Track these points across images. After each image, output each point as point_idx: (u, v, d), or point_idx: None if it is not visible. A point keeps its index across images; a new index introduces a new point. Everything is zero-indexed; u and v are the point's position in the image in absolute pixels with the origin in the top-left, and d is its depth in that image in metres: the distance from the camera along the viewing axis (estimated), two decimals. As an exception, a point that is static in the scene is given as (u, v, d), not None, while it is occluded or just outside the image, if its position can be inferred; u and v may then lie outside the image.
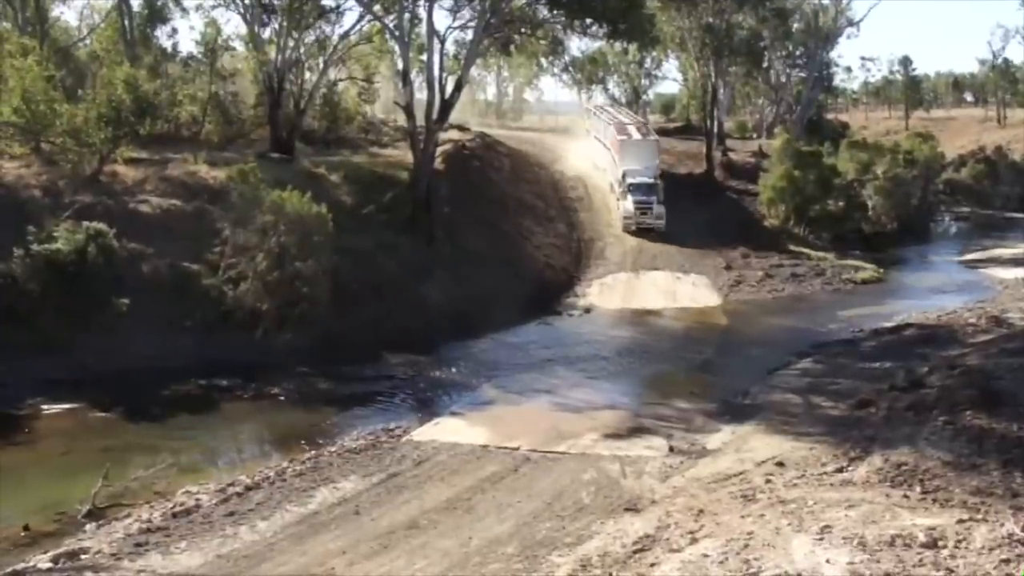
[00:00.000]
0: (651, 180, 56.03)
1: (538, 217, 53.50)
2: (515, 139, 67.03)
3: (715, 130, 71.38)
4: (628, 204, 54.85)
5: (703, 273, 49.24)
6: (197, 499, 21.53)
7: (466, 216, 47.10)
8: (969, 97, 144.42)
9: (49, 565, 18.08)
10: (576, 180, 61.50)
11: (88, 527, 20.33)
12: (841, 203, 59.95)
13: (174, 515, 20.59)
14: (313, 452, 25.03)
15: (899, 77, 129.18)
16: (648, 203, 54.73)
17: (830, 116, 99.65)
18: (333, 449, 25.31)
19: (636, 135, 62.18)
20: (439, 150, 48.95)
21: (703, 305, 44.68)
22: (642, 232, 54.46)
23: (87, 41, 60.75)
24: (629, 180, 55.44)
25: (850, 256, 55.33)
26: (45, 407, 27.90)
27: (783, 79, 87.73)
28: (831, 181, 59.77)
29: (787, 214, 59.13)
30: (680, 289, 46.82)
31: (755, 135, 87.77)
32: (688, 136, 78.27)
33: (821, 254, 55.13)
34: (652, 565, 17.33)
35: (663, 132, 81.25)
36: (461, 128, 61.29)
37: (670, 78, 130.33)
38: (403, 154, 50.44)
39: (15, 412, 27.36)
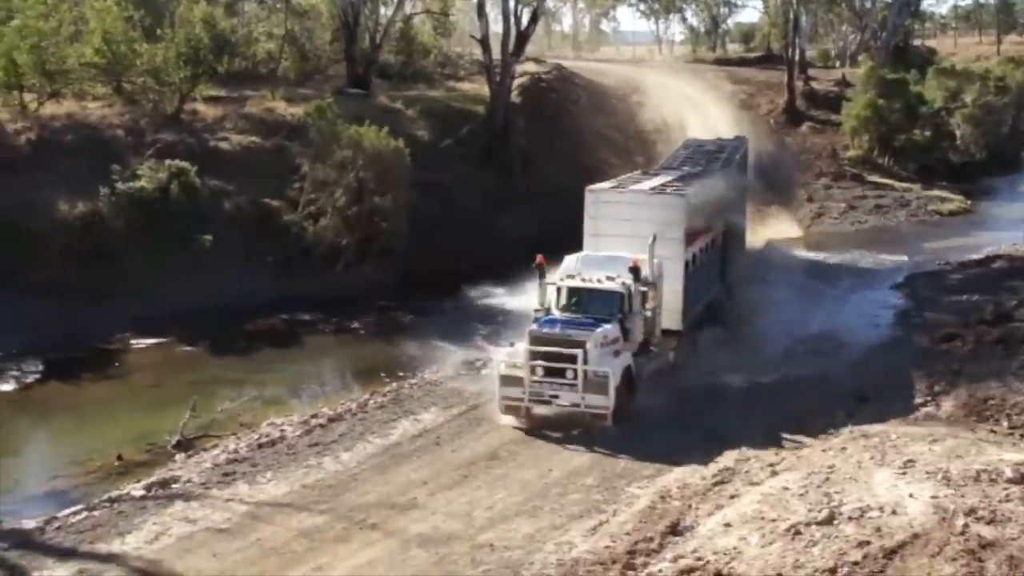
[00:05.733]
0: (615, 287, 23.29)
1: (616, 150, 52.78)
2: (592, 71, 66.12)
3: (796, 59, 69.57)
4: (518, 350, 22.64)
5: (784, 205, 48.39)
6: (282, 431, 22.02)
7: (543, 149, 46.77)
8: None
9: (142, 493, 18.68)
10: (654, 110, 60.62)
11: (178, 457, 20.96)
12: (928, 132, 58.49)
13: (259, 446, 21.10)
14: (394, 385, 25.41)
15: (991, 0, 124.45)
16: (567, 355, 21.83)
17: (917, 42, 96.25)
18: (414, 382, 25.65)
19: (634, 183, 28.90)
20: (515, 83, 48.56)
21: (784, 238, 43.94)
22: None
23: (165, -20, 61.12)
24: (561, 279, 23.89)
25: (936, 187, 54.14)
26: (134, 342, 28.69)
27: (868, 4, 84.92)
28: (917, 110, 58.17)
29: (871, 144, 57.82)
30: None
31: (838, 63, 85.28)
32: (769, 66, 76.32)
33: (906, 185, 53.98)
34: (732, 497, 17.33)
35: (743, 62, 79.43)
36: (537, 60, 60.64)
37: (750, 6, 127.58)
38: (479, 88, 50.13)
39: (106, 347, 28.17)
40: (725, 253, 30.90)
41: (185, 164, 33.05)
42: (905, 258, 40.42)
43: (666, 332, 24.94)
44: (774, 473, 18.15)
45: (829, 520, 15.35)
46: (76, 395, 25.43)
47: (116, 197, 31.50)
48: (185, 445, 21.51)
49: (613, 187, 27.46)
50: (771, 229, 44.88)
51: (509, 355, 22.67)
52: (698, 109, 55.71)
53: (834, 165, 56.68)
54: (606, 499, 18.08)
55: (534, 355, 21.89)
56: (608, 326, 22.36)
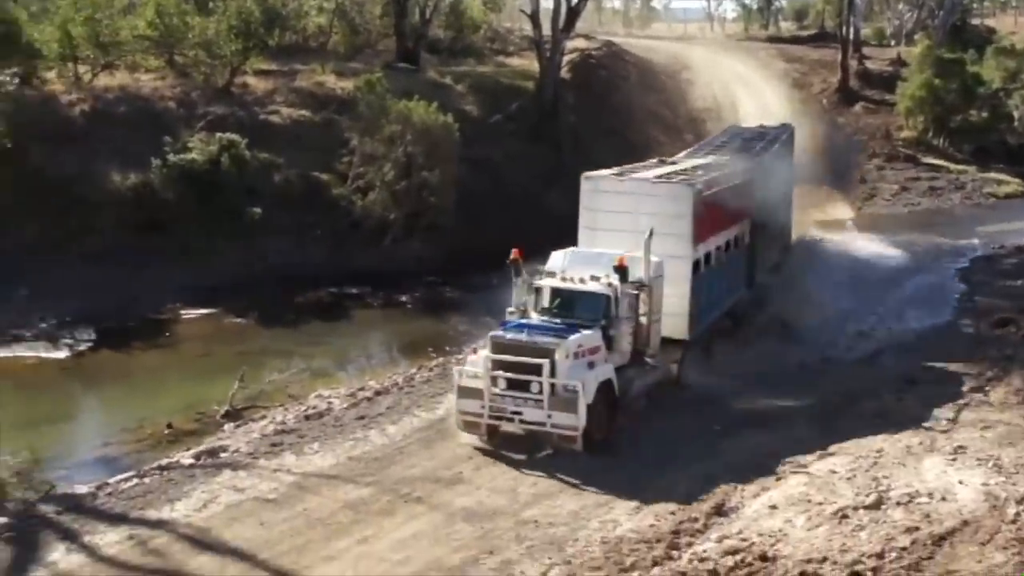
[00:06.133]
0: (598, 288, 20.33)
1: (666, 128, 52.46)
2: (642, 48, 65.68)
3: (851, 37, 68.53)
4: (478, 358, 19.86)
5: (837, 186, 47.81)
6: (329, 403, 22.17)
7: (593, 126, 46.52)
8: None
9: (191, 461, 18.90)
10: (705, 88, 60.15)
11: (226, 427, 21.18)
12: (984, 113, 57.35)
13: (307, 417, 21.26)
14: (441, 359, 25.48)
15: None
16: (532, 365, 18.91)
17: (975, 21, 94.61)
18: (460, 356, 25.59)
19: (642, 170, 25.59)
20: (565, 59, 48.39)
21: (835, 218, 43.43)
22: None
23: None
24: (539, 279, 21.41)
25: (992, 169, 53.20)
26: (184, 312, 29.06)
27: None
28: (974, 90, 57.09)
29: (926, 125, 56.82)
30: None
31: (893, 42, 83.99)
32: (822, 44, 75.33)
33: (961, 167, 53.09)
34: (778, 479, 17.24)
35: (796, 40, 78.41)
36: (587, 37, 60.30)
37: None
38: (529, 63, 49.97)
39: (157, 317, 28.56)
40: (754, 252, 27.57)
41: (235, 137, 33.34)
42: (975, 241, 39.75)
43: (670, 342, 21.97)
44: (821, 456, 18.02)
45: (877, 505, 15.25)
46: (127, 363, 25.83)
47: (168, 169, 31.84)
48: (234, 415, 21.74)
49: (613, 175, 23.97)
50: (822, 211, 44.40)
51: (469, 363, 19.96)
52: (750, 88, 55.29)
53: (887, 146, 55.87)
54: (654, 477, 18.00)
55: (496, 364, 18.98)
56: (586, 333, 19.30)
